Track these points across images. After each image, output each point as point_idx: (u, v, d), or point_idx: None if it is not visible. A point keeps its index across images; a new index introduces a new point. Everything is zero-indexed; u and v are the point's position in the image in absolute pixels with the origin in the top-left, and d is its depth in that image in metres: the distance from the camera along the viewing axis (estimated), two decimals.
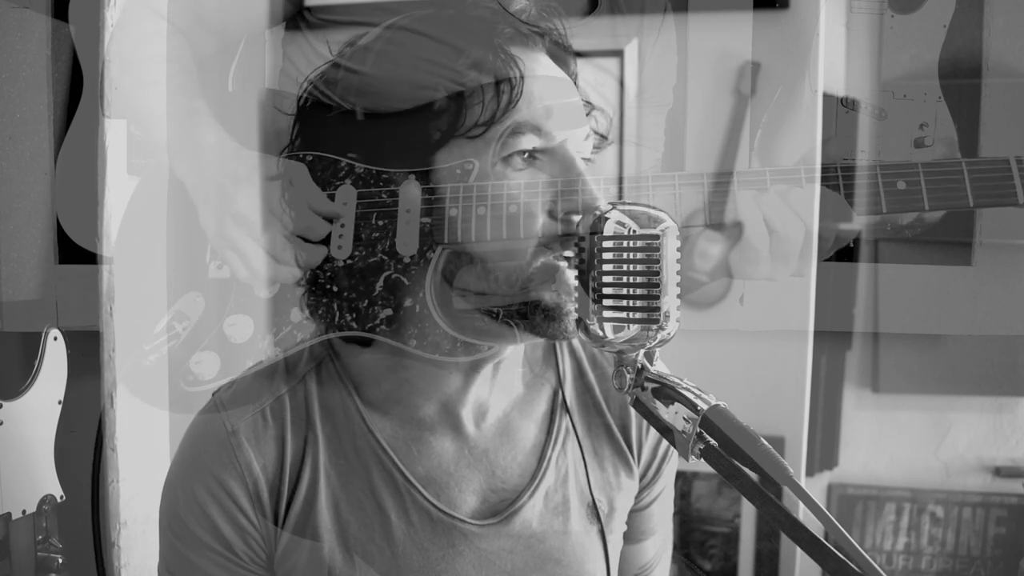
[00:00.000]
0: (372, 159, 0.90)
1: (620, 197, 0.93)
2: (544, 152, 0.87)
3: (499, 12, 0.88)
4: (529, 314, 0.87)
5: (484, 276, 0.88)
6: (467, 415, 0.95)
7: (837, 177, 0.95)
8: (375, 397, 0.94)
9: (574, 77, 0.92)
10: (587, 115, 0.91)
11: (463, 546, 0.93)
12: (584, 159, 0.89)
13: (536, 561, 0.96)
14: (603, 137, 0.93)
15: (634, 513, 1.09)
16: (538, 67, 0.87)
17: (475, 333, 0.89)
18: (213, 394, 0.97)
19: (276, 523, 0.91)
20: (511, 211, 0.86)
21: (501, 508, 0.95)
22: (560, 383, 1.01)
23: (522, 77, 0.84)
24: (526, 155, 0.86)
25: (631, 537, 1.11)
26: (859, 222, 1.77)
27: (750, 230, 0.93)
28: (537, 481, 0.97)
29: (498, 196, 0.87)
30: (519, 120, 0.84)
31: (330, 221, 0.94)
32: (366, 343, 0.92)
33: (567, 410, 1.00)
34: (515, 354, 0.97)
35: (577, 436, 1.00)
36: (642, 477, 1.06)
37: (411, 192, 0.90)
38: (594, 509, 0.99)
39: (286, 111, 0.98)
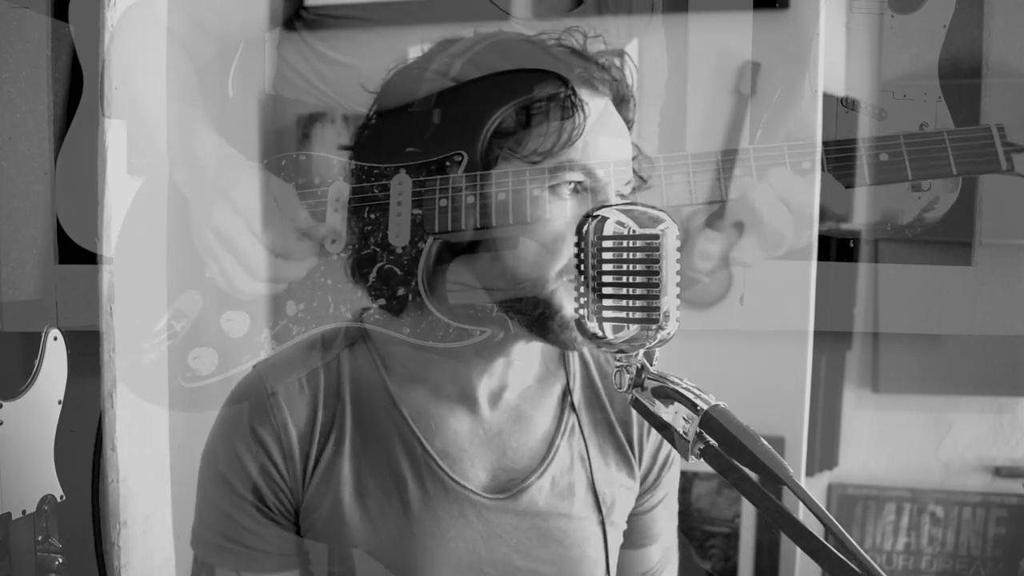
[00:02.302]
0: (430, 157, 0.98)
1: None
2: (587, 189, 0.95)
3: (576, 53, 0.97)
4: (547, 320, 0.94)
5: (497, 273, 0.95)
6: (483, 399, 1.04)
7: (821, 152, 0.96)
8: (402, 376, 1.03)
9: (630, 124, 1.01)
10: (633, 158, 0.99)
11: (472, 516, 1.01)
12: (620, 194, 0.96)
13: (539, 539, 1.03)
14: (643, 180, 1.01)
15: (636, 517, 1.15)
16: (600, 112, 0.95)
17: (467, 320, 0.98)
18: (254, 366, 1.06)
19: (304, 479, 1.00)
20: (500, 199, 0.90)
21: (510, 486, 1.03)
22: (570, 382, 1.09)
23: (585, 119, 0.93)
24: (572, 186, 0.94)
25: (634, 541, 1.16)
26: (859, 222, 1.77)
27: (766, 210, 0.99)
28: (545, 465, 1.05)
29: (487, 185, 0.90)
30: (574, 158, 0.93)
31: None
32: (419, 322, 1.01)
33: (574, 409, 1.08)
34: (531, 350, 1.05)
35: (583, 432, 1.08)
36: (643, 480, 1.13)
37: (402, 185, 0.96)
38: (596, 500, 1.06)
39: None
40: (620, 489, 1.10)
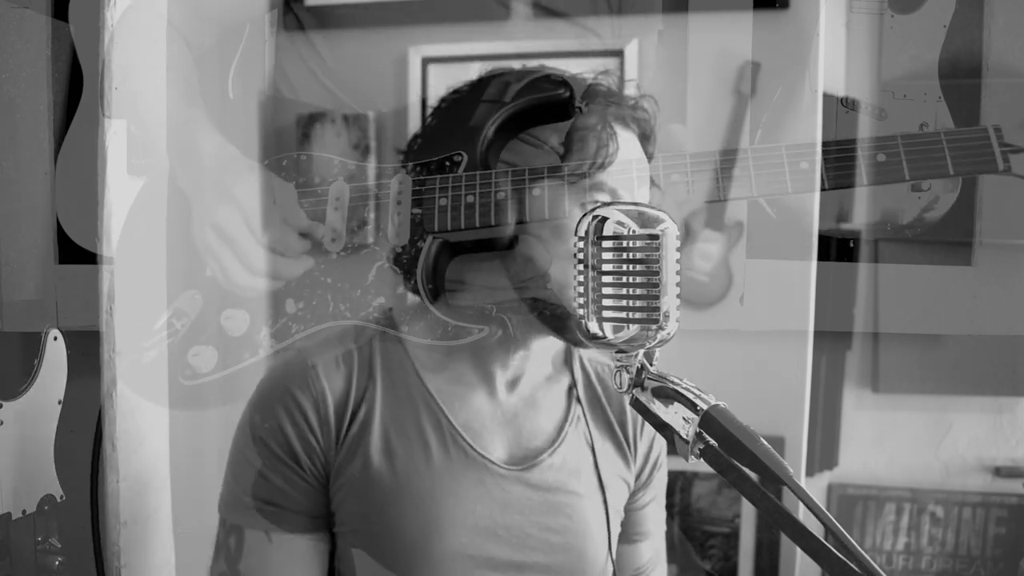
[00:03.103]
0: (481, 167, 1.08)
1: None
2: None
3: (614, 93, 1.11)
4: (565, 319, 1.03)
5: (497, 272, 1.03)
6: (501, 384, 1.14)
7: (818, 153, 0.96)
8: (428, 361, 1.13)
9: (649, 157, 1.12)
10: (650, 187, 1.11)
11: (490, 484, 1.11)
12: None
13: (550, 511, 1.13)
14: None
15: (631, 511, 1.24)
16: (627, 144, 1.08)
17: (467, 318, 1.08)
18: (289, 347, 1.14)
19: (336, 444, 1.09)
20: (499, 198, 0.92)
21: (525, 461, 1.13)
22: (575, 381, 1.21)
23: (617, 149, 1.06)
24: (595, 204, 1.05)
25: (627, 536, 1.25)
26: (859, 222, 1.77)
27: None
28: (556, 446, 1.15)
29: (486, 185, 0.92)
30: (603, 180, 1.05)
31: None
32: (422, 316, 1.12)
33: (580, 402, 1.19)
34: (545, 348, 1.16)
35: (587, 422, 1.19)
36: (637, 477, 1.22)
37: (402, 184, 1.01)
38: (600, 482, 1.16)
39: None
40: (618, 479, 1.20)
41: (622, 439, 1.21)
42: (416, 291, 1.08)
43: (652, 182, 1.10)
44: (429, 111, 1.15)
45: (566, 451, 1.16)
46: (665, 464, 1.26)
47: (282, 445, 1.08)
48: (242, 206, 1.05)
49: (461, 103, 1.11)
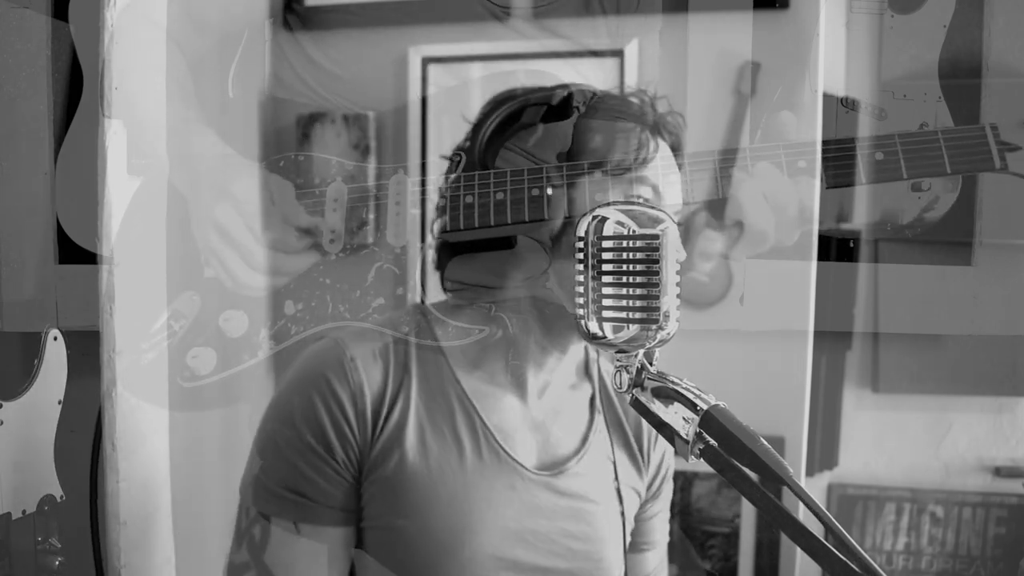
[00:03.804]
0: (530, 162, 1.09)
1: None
2: (649, 201, 1.06)
3: (648, 104, 1.14)
4: (563, 316, 1.02)
5: (496, 272, 1.04)
6: (532, 388, 1.15)
7: (816, 152, 0.96)
8: (461, 360, 1.13)
9: (680, 168, 1.13)
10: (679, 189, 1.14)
11: (520, 487, 1.11)
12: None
13: (573, 517, 1.13)
14: (685, 203, 1.13)
15: (641, 521, 1.26)
16: (660, 147, 1.10)
17: (466, 319, 1.08)
18: (325, 337, 1.14)
19: (372, 438, 1.08)
20: (498, 198, 0.92)
21: (553, 467, 1.14)
22: (595, 391, 1.22)
23: (657, 148, 1.08)
24: (639, 198, 1.06)
25: (636, 545, 1.26)
26: (859, 222, 1.77)
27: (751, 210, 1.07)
28: (582, 454, 1.16)
29: (485, 184, 0.91)
30: (642, 175, 1.07)
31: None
32: (454, 315, 1.13)
33: (602, 411, 1.21)
34: (574, 355, 1.17)
35: (609, 432, 1.20)
36: (648, 487, 1.24)
37: (400, 184, 1.02)
38: (618, 493, 1.17)
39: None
40: (631, 490, 1.21)
41: (636, 451, 1.22)
42: (414, 293, 1.08)
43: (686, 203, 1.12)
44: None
45: (589, 460, 1.16)
46: (671, 476, 1.28)
47: (317, 435, 1.06)
48: (241, 204, 1.05)
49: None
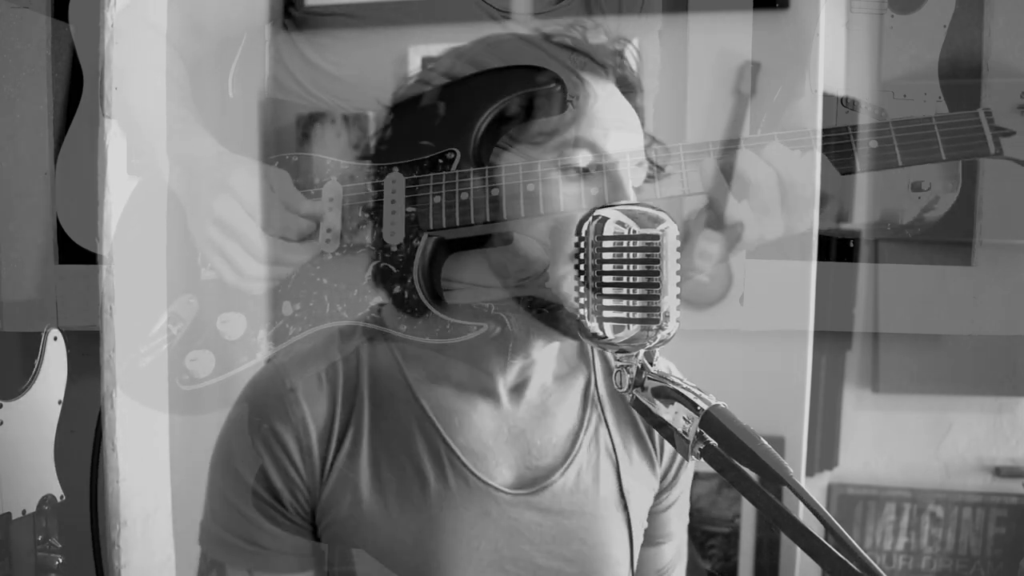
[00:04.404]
0: (441, 148, 0.98)
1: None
2: (598, 168, 0.94)
3: (579, 42, 0.99)
4: (557, 311, 0.94)
5: (495, 271, 0.95)
6: (505, 396, 1.03)
7: (811, 140, 0.95)
8: (422, 370, 1.02)
9: (639, 110, 1.00)
10: (647, 146, 0.99)
11: (496, 513, 0.99)
12: (634, 187, 0.96)
13: (562, 537, 1.02)
14: (660, 168, 1.00)
15: (654, 515, 1.15)
16: (604, 93, 0.96)
17: (464, 316, 0.97)
18: (268, 360, 1.04)
19: (321, 478, 0.97)
20: (493, 194, 0.90)
21: (534, 483, 1.02)
22: (592, 377, 1.08)
23: (587, 98, 0.93)
24: (581, 168, 0.94)
25: (650, 539, 1.15)
26: (859, 222, 1.77)
27: (760, 178, 0.97)
28: (569, 462, 1.03)
29: (480, 182, 0.90)
30: (578, 135, 0.93)
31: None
32: (415, 318, 1.00)
33: (599, 402, 1.07)
34: (550, 348, 1.03)
35: (608, 428, 1.07)
36: (663, 478, 1.12)
37: (395, 183, 0.97)
38: (622, 497, 1.05)
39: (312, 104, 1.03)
40: (643, 487, 1.09)
41: (647, 438, 1.09)
42: (412, 291, 1.02)
43: (651, 139, 1.00)
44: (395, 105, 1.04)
45: (580, 465, 1.04)
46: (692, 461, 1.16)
47: (260, 480, 0.97)
48: (240, 196, 1.00)
49: (449, 94, 1.01)
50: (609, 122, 0.94)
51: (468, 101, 0.98)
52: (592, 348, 1.10)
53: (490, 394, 1.02)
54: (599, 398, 1.08)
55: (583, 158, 0.93)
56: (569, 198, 0.93)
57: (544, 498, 1.02)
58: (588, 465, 1.05)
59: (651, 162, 0.99)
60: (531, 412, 1.04)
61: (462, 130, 0.98)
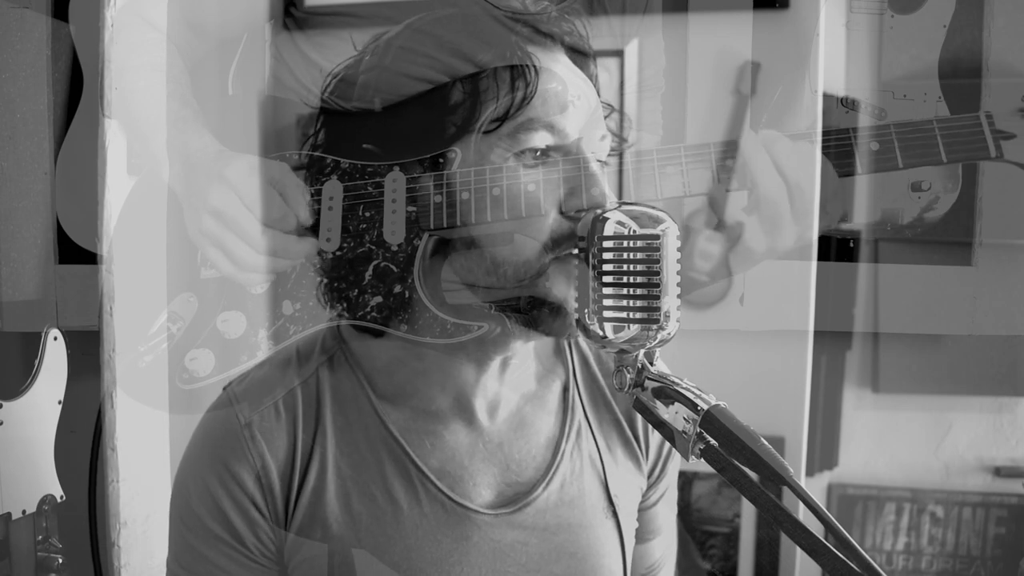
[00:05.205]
0: (389, 152, 0.91)
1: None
2: (558, 150, 0.87)
3: (520, 12, 0.89)
4: (535, 310, 0.88)
5: (491, 270, 0.89)
6: (480, 408, 0.96)
7: (812, 142, 0.95)
8: (388, 389, 0.95)
9: (593, 79, 0.92)
10: (606, 117, 0.91)
11: (477, 537, 0.93)
12: (600, 161, 0.89)
13: (552, 554, 0.96)
14: (623, 140, 0.94)
15: (643, 511, 1.10)
16: (555, 66, 0.87)
17: (463, 315, 0.90)
18: (224, 388, 0.97)
19: (286, 516, 0.91)
20: (494, 194, 0.87)
21: (516, 500, 0.96)
22: (570, 378, 1.02)
23: (537, 74, 0.85)
24: (538, 152, 0.86)
25: (640, 537, 1.11)
26: (859, 222, 1.77)
27: (764, 178, 0.93)
28: (551, 474, 0.97)
29: (480, 181, 0.88)
30: (532, 116, 0.85)
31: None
32: (377, 334, 0.93)
33: (581, 404, 1.01)
34: (525, 350, 0.97)
35: (592, 430, 1.01)
36: (649, 474, 1.07)
37: (396, 182, 0.92)
38: (611, 504, 1.00)
39: (312, 104, 0.99)
40: (631, 488, 1.05)
41: (631, 435, 1.04)
42: (413, 290, 0.98)
43: (611, 108, 0.93)
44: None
45: (564, 476, 0.98)
46: (676, 453, 1.07)
47: (221, 522, 0.91)
48: (236, 187, 0.97)
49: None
50: (562, 96, 0.86)
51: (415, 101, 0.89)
52: (568, 346, 1.05)
53: (463, 408, 0.96)
54: (579, 399, 1.02)
55: (540, 139, 0.85)
56: (530, 185, 0.85)
57: (527, 515, 0.95)
58: (572, 475, 0.99)
59: (613, 133, 0.92)
60: (508, 423, 0.98)
61: (462, 129, 0.94)
